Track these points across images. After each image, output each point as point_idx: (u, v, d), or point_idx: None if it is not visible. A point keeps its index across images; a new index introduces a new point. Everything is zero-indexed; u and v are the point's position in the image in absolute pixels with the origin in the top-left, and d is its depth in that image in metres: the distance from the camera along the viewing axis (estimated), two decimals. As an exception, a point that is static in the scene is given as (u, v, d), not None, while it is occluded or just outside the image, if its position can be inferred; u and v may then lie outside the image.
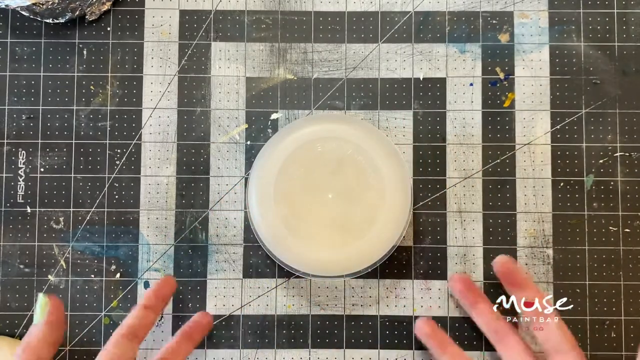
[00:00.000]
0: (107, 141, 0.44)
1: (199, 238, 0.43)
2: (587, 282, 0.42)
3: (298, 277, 0.43)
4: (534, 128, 0.43)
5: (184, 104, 0.44)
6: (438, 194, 0.43)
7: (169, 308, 0.43)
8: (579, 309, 0.42)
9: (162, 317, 0.43)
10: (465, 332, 0.42)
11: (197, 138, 0.44)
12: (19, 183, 0.44)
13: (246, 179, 0.44)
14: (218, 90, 0.44)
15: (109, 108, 0.44)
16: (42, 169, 0.44)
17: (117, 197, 0.44)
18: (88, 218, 0.43)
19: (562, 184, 0.43)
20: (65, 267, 0.43)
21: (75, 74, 0.44)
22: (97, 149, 0.44)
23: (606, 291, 0.42)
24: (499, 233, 0.43)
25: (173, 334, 0.42)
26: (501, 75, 0.44)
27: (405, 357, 0.42)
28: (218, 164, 0.44)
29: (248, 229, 0.43)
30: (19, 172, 0.44)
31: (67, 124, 0.44)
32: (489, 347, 0.41)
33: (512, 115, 0.44)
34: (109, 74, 0.44)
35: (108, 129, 0.44)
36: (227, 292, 0.43)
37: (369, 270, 0.40)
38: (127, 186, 0.44)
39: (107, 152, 0.44)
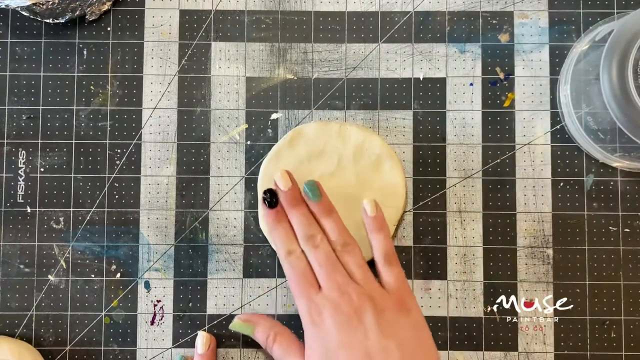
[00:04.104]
0: (107, 141, 0.44)
1: (199, 238, 0.43)
2: (587, 282, 0.42)
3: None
4: (534, 128, 0.43)
5: (184, 104, 0.44)
6: (438, 194, 0.43)
7: (169, 308, 0.43)
8: (579, 309, 0.42)
9: (162, 316, 0.43)
10: (465, 332, 0.42)
11: (197, 138, 0.44)
12: (19, 183, 0.44)
13: (246, 179, 0.44)
14: (218, 90, 0.44)
15: (109, 108, 0.44)
16: (42, 169, 0.44)
17: (117, 197, 0.44)
18: (88, 218, 0.43)
19: (562, 184, 0.43)
20: (65, 267, 0.43)
21: (75, 74, 0.44)
22: (97, 149, 0.44)
23: (606, 291, 0.42)
24: (499, 233, 0.43)
25: (173, 334, 0.42)
26: (501, 75, 0.44)
27: (405, 357, 0.42)
28: (218, 164, 0.44)
29: (248, 229, 0.43)
30: (19, 172, 0.44)
31: (67, 124, 0.44)
32: (489, 347, 0.42)
33: (512, 115, 0.44)
34: (109, 74, 0.44)
35: (108, 129, 0.44)
36: (227, 292, 0.43)
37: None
38: (127, 186, 0.44)
39: (107, 152, 0.44)
